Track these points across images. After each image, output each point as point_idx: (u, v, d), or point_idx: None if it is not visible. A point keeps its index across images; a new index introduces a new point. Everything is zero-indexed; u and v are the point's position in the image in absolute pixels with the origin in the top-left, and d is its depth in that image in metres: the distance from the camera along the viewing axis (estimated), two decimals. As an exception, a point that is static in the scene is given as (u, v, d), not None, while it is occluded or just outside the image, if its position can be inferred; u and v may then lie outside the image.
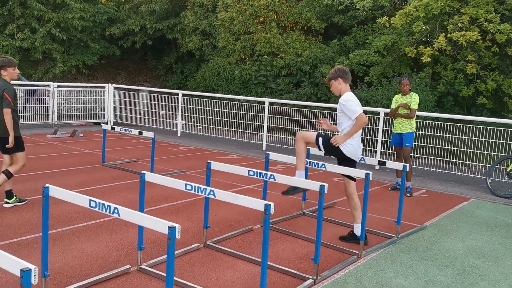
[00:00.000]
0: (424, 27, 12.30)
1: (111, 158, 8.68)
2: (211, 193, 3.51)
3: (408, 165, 5.40)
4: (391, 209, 6.40)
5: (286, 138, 11.50)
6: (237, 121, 12.29)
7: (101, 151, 8.62)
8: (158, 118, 14.27)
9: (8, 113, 5.31)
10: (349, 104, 4.76)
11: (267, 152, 5.46)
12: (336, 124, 5.10)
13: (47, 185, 3.25)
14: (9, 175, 5.50)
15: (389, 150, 10.05)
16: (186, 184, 3.68)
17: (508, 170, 7.91)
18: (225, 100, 12.61)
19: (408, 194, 7.31)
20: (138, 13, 18.56)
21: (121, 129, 7.91)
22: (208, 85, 16.05)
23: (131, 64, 22.82)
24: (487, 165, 8.83)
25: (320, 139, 4.91)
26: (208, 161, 4.54)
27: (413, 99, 7.40)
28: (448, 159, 9.37)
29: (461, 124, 9.10)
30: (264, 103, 11.40)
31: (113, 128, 8.04)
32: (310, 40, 14.88)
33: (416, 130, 10.10)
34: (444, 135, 9.28)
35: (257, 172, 4.28)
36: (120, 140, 11.56)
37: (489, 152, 8.76)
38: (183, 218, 5.46)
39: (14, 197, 5.59)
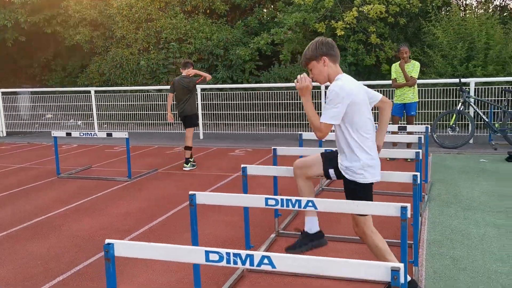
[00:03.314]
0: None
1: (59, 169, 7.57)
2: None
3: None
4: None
5: (222, 123, 11.29)
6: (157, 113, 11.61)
7: (34, 164, 7.98)
8: (45, 121, 12.96)
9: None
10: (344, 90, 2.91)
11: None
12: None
13: (192, 192, 2.78)
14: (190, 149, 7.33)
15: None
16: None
17: (450, 124, 8.84)
18: (154, 92, 11.87)
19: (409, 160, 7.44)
20: (5, 6, 16.24)
21: (81, 134, 6.96)
22: (109, 79, 14.84)
23: (-6, 65, 20.03)
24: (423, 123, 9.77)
25: (331, 168, 3.16)
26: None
27: (416, 67, 7.44)
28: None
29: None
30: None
31: (68, 134, 7.00)
32: (217, 24, 14.61)
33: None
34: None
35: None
36: (36, 150, 10.18)
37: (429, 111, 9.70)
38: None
39: (190, 163, 7.32)
